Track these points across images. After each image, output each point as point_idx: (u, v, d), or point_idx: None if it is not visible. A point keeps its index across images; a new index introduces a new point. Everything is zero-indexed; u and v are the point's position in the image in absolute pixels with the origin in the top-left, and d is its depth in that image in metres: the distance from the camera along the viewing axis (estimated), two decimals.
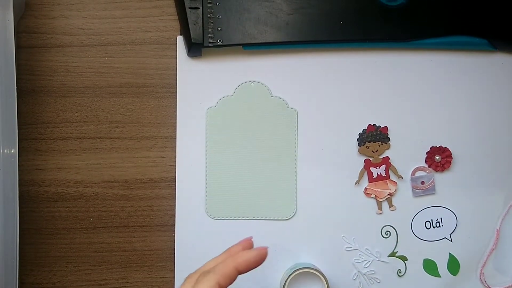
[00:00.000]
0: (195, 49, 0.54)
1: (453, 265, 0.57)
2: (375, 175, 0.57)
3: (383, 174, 0.57)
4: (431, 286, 0.58)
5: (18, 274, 0.52)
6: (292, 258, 0.57)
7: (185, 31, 0.54)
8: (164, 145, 0.56)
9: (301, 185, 0.56)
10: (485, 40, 0.56)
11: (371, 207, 0.57)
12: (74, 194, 0.56)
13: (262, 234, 0.56)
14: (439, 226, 0.57)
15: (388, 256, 0.57)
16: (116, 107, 0.56)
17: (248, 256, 0.37)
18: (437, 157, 0.57)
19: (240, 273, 0.37)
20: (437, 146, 0.57)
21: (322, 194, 0.57)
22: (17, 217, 0.51)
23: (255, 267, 0.38)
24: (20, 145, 0.53)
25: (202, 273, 0.37)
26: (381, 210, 0.57)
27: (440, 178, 0.57)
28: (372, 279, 0.57)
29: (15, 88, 0.51)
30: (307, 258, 0.57)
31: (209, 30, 0.53)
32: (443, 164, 0.57)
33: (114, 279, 0.57)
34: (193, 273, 0.39)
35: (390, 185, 0.57)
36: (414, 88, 0.57)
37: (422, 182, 0.57)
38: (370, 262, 0.57)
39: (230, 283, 0.37)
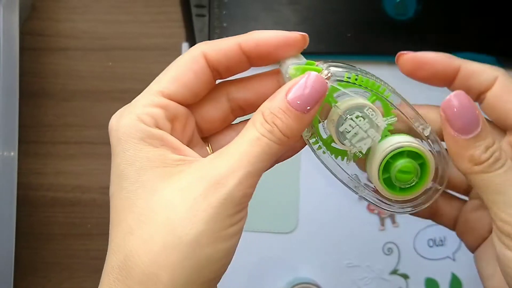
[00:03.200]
0: None
1: (456, 285, 0.57)
2: None
3: None
4: None
5: (13, 279, 0.51)
6: (292, 272, 0.56)
7: (190, 38, 0.54)
8: None
9: (304, 198, 0.56)
10: (493, 57, 0.56)
11: (374, 223, 0.56)
12: (72, 199, 0.56)
13: (262, 247, 0.56)
14: (442, 244, 0.56)
15: (389, 274, 0.56)
16: None
17: (261, 34, 0.26)
18: None
19: (249, 58, 0.27)
20: None
21: (324, 208, 0.56)
22: (14, 221, 0.50)
23: (277, 55, 0.27)
24: (19, 148, 0.52)
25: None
26: (384, 226, 0.56)
27: None
28: None
29: (18, 90, 0.50)
30: (307, 273, 0.56)
31: (215, 38, 0.53)
32: None
33: None
34: None
35: None
36: (421, 103, 0.56)
37: None
38: (371, 279, 0.56)
39: (229, 68, 0.27)
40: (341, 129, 0.26)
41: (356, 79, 0.26)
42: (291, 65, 0.26)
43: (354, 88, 0.27)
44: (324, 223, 0.56)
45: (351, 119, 0.26)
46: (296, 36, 0.26)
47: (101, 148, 0.56)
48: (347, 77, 0.26)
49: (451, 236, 0.57)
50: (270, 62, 0.27)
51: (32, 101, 0.55)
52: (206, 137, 0.30)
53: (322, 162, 0.29)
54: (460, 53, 0.55)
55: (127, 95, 0.56)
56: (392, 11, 0.55)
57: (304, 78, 0.25)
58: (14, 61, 0.50)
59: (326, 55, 0.55)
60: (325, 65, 0.27)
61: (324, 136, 0.28)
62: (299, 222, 0.56)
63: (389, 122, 0.27)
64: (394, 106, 0.28)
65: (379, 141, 0.27)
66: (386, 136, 0.27)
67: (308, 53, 0.55)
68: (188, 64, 0.27)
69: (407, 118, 0.27)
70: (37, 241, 0.56)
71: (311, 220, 0.56)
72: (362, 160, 0.29)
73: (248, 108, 0.29)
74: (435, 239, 0.56)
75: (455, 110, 0.25)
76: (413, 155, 0.26)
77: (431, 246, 0.56)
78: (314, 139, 0.28)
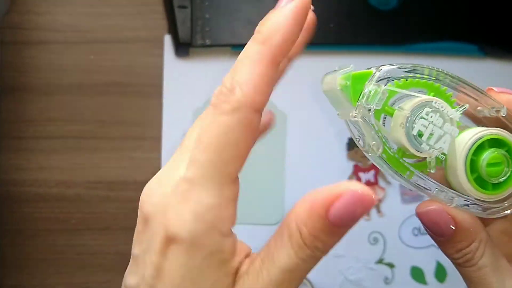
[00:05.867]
0: (183, 49, 0.53)
1: (440, 273, 0.57)
2: (363, 181, 0.56)
3: (372, 180, 0.56)
4: None
5: None
6: None
7: (173, 30, 0.53)
8: (150, 146, 0.55)
9: (289, 189, 0.56)
10: (476, 46, 0.56)
11: None
12: (57, 194, 0.55)
13: (247, 240, 0.55)
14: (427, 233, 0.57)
15: (375, 263, 0.57)
16: (101, 106, 0.55)
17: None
18: None
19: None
20: None
21: None
22: None
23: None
24: (1, 143, 0.52)
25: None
26: (369, 216, 0.57)
27: None
28: (359, 286, 0.57)
29: None
30: None
31: (198, 29, 0.52)
32: None
33: (96, 283, 0.56)
34: None
35: (379, 191, 0.56)
36: None
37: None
38: (357, 269, 0.57)
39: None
40: (414, 132, 0.23)
41: (406, 80, 0.23)
42: (339, 75, 0.23)
43: (408, 90, 0.23)
44: None
45: (422, 117, 0.23)
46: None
47: (85, 142, 0.55)
48: (399, 83, 0.23)
49: None
50: None
51: (13, 96, 0.55)
52: None
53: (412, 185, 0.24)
54: (443, 42, 0.56)
55: (111, 88, 0.55)
56: (375, 1, 0.55)
57: (348, 195, 0.20)
58: None
59: (309, 46, 0.55)
60: (377, 72, 0.23)
61: (390, 151, 0.24)
62: (285, 213, 0.56)
63: (462, 111, 0.23)
64: (458, 104, 0.24)
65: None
66: (458, 135, 0.24)
67: None
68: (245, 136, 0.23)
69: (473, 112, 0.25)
70: (21, 237, 0.55)
71: None
72: (437, 174, 0.25)
73: None
74: (419, 228, 0.57)
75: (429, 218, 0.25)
76: (496, 143, 0.24)
77: (416, 235, 0.57)
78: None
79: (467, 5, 0.56)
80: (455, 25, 0.56)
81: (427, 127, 0.23)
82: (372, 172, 0.56)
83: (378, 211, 0.57)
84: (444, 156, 0.24)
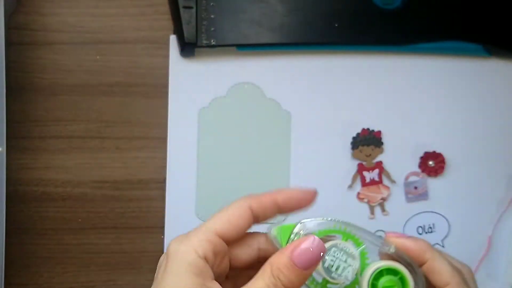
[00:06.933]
0: (188, 49, 0.54)
1: None
2: (368, 180, 0.56)
3: (376, 179, 0.56)
4: None
5: (4, 275, 0.51)
6: None
7: (178, 31, 0.53)
8: (155, 145, 0.56)
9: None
10: (480, 45, 0.56)
11: (364, 212, 0.57)
12: (63, 194, 0.55)
13: None
14: (431, 231, 0.57)
15: None
16: (107, 106, 0.56)
17: (290, 191, 0.35)
18: (431, 162, 0.56)
19: (280, 209, 0.35)
20: (431, 151, 0.57)
21: None
22: (4, 216, 0.50)
23: (299, 207, 0.35)
24: (8, 143, 0.52)
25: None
26: (374, 215, 0.57)
27: (433, 184, 0.57)
28: None
29: (4, 85, 0.50)
30: None
31: (203, 30, 0.53)
32: (436, 170, 0.56)
33: (101, 281, 0.56)
34: None
35: (383, 190, 0.56)
36: (408, 92, 0.57)
37: (415, 187, 0.56)
38: None
39: (265, 216, 0.34)
40: (325, 265, 0.32)
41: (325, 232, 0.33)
42: (274, 227, 0.33)
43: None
44: (315, 213, 0.56)
45: (330, 254, 0.32)
46: (315, 192, 0.36)
47: (90, 142, 0.56)
48: (319, 232, 0.33)
49: (440, 223, 0.57)
50: (292, 212, 0.35)
51: (20, 96, 0.55)
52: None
53: None
54: (448, 42, 0.56)
55: (116, 89, 0.56)
56: (379, 0, 0.55)
57: (309, 241, 0.30)
58: (0, 56, 0.49)
59: (314, 45, 0.55)
60: (300, 225, 0.33)
61: (320, 280, 0.33)
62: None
63: (361, 249, 0.33)
64: (363, 242, 0.34)
65: (361, 272, 0.33)
66: (364, 267, 0.33)
67: (296, 44, 0.55)
68: (241, 213, 0.34)
69: (372, 243, 0.33)
70: (28, 236, 0.55)
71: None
72: None
73: None
74: (424, 226, 0.57)
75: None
76: (391, 271, 0.32)
77: (420, 234, 0.57)
78: None
79: (471, 4, 0.56)
80: (460, 24, 0.56)
81: (334, 261, 0.32)
82: (376, 171, 0.56)
83: (383, 210, 0.57)
84: (349, 282, 0.32)
